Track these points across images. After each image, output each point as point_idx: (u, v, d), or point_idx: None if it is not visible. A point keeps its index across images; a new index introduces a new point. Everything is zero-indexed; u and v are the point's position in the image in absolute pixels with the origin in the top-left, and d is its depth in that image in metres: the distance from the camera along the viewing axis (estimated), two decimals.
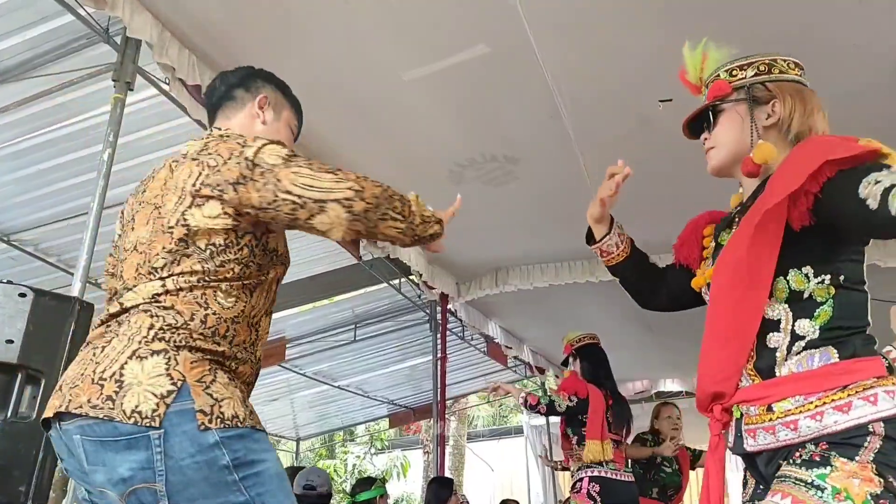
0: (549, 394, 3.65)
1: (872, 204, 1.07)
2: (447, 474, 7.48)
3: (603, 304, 5.17)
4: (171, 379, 1.19)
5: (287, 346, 6.80)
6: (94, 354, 1.25)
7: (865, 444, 1.15)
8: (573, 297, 5.54)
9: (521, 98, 3.20)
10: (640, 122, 3.30)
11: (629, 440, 4.09)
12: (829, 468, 1.15)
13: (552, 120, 3.27)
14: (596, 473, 3.56)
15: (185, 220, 1.30)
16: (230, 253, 1.32)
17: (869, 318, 1.28)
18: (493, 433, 14.41)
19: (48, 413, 1.26)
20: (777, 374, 1.26)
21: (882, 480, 1.13)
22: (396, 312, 6.80)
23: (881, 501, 1.12)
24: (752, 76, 1.42)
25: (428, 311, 6.22)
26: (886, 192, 1.05)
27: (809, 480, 1.15)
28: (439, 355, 5.69)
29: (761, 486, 1.34)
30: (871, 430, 1.16)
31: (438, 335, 5.78)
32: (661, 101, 3.21)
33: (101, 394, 1.18)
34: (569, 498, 3.86)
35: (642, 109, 3.19)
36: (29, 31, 2.98)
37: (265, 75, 1.62)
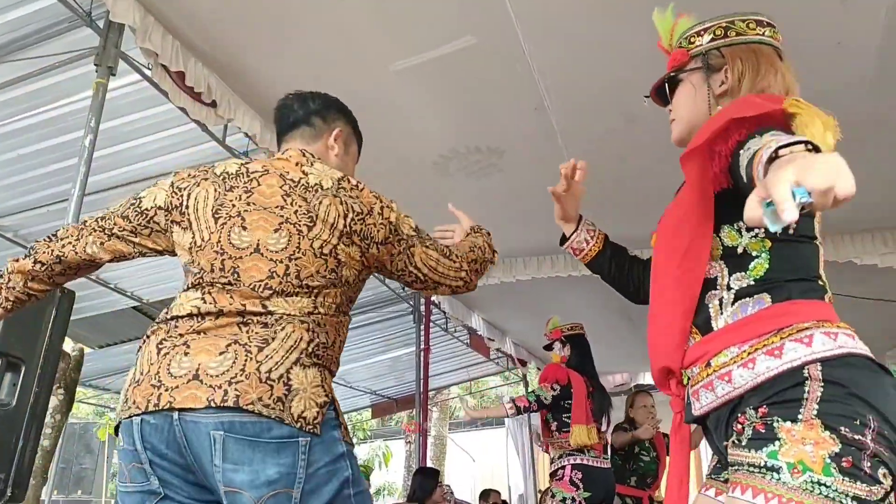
0: (532, 390, 3.69)
1: (743, 175, 1.00)
2: (429, 465, 7.52)
3: (585, 297, 5.21)
4: (325, 391, 1.30)
5: None
6: (246, 350, 1.25)
7: (805, 396, 1.05)
8: (556, 290, 5.57)
9: (506, 90, 3.20)
10: (626, 118, 3.32)
11: (609, 430, 4.14)
12: (777, 443, 1.05)
13: (537, 113, 3.28)
14: (578, 461, 3.59)
15: (337, 253, 1.39)
16: (354, 290, 1.47)
17: (820, 271, 1.21)
18: (474, 424, 14.47)
19: (189, 403, 1.21)
20: (714, 328, 1.20)
21: (835, 436, 1.02)
22: (380, 304, 6.80)
23: (843, 460, 1.01)
24: (709, 42, 1.35)
25: (412, 302, 6.23)
26: (749, 162, 0.96)
27: (762, 464, 1.05)
28: (422, 347, 5.70)
29: (720, 463, 1.30)
30: (806, 374, 1.07)
31: (422, 327, 5.80)
32: (646, 96, 3.25)
33: (272, 394, 1.22)
34: (549, 487, 3.89)
35: (628, 105, 3.21)
36: (9, 13, 2.93)
37: (341, 107, 1.71)
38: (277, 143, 1.67)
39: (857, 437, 1.02)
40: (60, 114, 3.48)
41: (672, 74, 1.41)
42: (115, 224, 1.49)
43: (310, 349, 1.30)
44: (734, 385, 1.13)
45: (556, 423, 3.71)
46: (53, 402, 6.95)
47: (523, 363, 8.14)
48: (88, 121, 2.56)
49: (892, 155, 3.63)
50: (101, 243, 1.49)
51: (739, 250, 1.21)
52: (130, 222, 1.47)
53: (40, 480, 6.96)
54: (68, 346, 7.24)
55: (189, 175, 1.47)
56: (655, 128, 3.41)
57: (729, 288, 1.21)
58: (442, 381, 9.83)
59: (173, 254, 1.49)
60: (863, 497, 1.00)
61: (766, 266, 1.19)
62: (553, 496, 3.63)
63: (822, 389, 1.05)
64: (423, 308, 5.79)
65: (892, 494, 1.03)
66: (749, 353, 1.13)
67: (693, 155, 1.17)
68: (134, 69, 3.01)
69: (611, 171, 3.83)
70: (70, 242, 1.50)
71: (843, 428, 1.02)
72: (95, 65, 2.66)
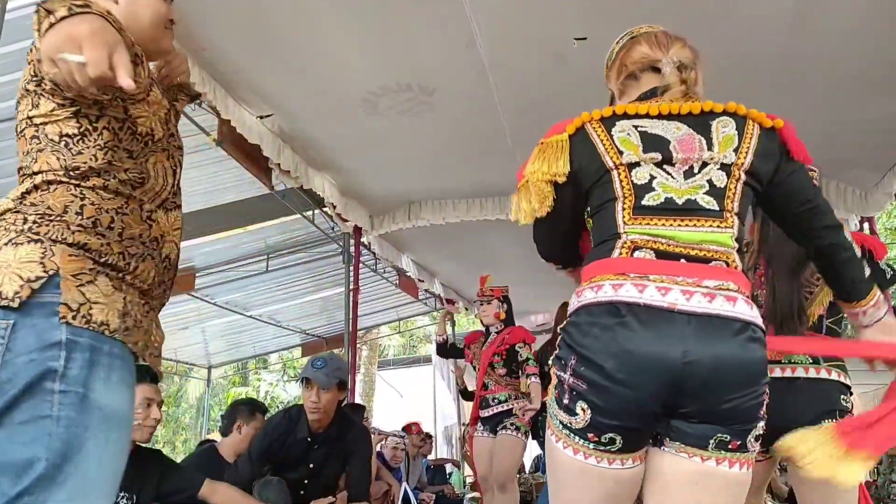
0: (528, 357, 4.08)
1: None
2: (357, 401, 7.65)
3: (511, 241, 5.29)
4: (44, 267, 1.12)
5: (196, 275, 6.64)
6: None
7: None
8: (483, 232, 5.64)
9: (437, 25, 3.14)
10: (556, 58, 3.32)
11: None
12: None
13: (468, 50, 3.24)
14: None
15: (29, 118, 1.23)
16: (88, 141, 1.22)
17: (616, 225, 1.39)
18: (402, 361, 14.73)
19: None
20: None
21: (556, 375, 1.33)
22: (310, 244, 6.73)
23: (556, 392, 1.32)
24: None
25: (341, 243, 6.19)
26: None
27: None
28: (352, 287, 5.70)
29: None
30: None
31: (351, 267, 5.79)
32: (576, 38, 3.25)
33: None
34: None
35: (558, 45, 3.22)
36: None
37: None
38: None
39: (561, 373, 1.31)
40: None
41: None
42: None
43: (24, 228, 1.16)
44: None
45: (506, 368, 4.18)
46: None
47: (451, 303, 8.27)
48: None
49: (807, 104, 3.74)
50: None
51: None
52: None
53: None
54: None
55: None
56: (584, 70, 3.45)
57: None
58: (371, 320, 9.89)
59: None
60: (564, 422, 1.28)
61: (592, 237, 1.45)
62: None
63: (560, 338, 1.36)
64: (352, 249, 5.77)
65: (606, 432, 1.24)
66: None
67: None
68: None
69: (542, 110, 3.85)
70: None
71: (556, 368, 1.34)
72: None
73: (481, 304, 4.33)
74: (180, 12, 3.05)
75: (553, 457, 1.33)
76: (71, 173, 1.21)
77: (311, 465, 3.12)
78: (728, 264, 1.30)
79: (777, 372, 2.01)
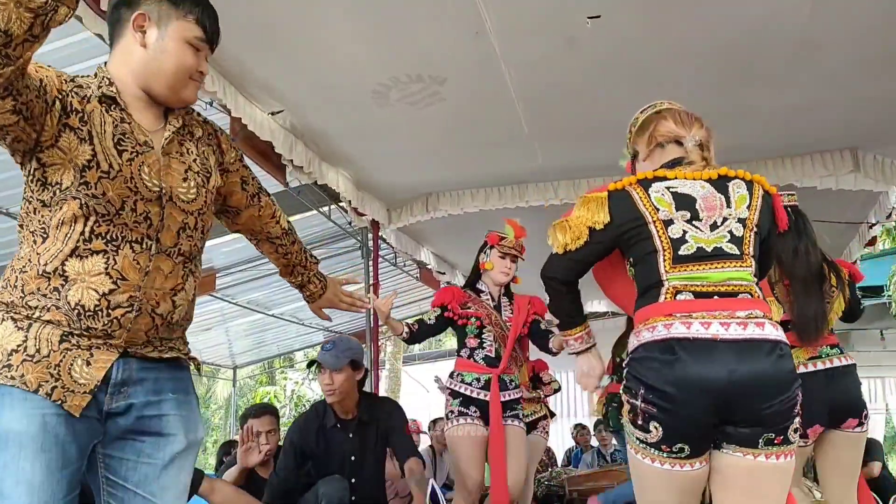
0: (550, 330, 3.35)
1: None
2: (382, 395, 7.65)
3: (533, 229, 5.20)
4: None
5: (217, 275, 6.66)
6: None
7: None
8: (502, 222, 5.55)
9: (444, 13, 3.07)
10: (568, 41, 3.24)
11: None
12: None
13: (478, 37, 3.17)
14: None
15: None
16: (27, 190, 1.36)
17: (659, 273, 1.70)
18: (428, 356, 14.70)
19: None
20: None
21: (627, 401, 1.65)
22: (328, 240, 6.70)
23: (630, 415, 1.63)
24: (627, 149, 2.00)
25: (359, 237, 6.16)
26: None
27: None
28: (371, 282, 5.66)
29: None
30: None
31: (370, 262, 5.75)
32: (589, 17, 3.16)
33: None
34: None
35: (570, 28, 3.13)
36: None
37: None
38: None
39: (632, 400, 1.62)
40: None
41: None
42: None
43: None
44: None
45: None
46: None
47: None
48: None
49: (829, 79, 3.65)
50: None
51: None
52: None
53: None
54: None
55: None
56: (597, 52, 3.38)
57: None
58: (394, 315, 9.84)
59: None
60: (642, 438, 1.60)
61: (637, 284, 1.76)
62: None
63: (626, 370, 1.67)
64: (370, 243, 5.73)
65: (677, 442, 1.56)
66: None
67: None
68: None
69: (556, 94, 3.78)
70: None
71: (627, 395, 1.65)
72: None
73: (503, 258, 3.42)
74: None
75: (636, 466, 1.65)
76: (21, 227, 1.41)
77: (353, 458, 3.04)
78: (752, 295, 1.63)
79: (819, 365, 2.58)
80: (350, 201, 4.99)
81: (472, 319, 3.30)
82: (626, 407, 1.64)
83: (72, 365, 1.31)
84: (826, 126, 4.23)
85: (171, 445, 1.42)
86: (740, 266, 1.64)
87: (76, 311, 1.31)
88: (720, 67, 3.50)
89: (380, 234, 5.71)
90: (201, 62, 1.49)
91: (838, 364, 2.58)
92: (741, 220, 1.68)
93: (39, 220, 1.34)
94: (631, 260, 1.76)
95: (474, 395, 3.21)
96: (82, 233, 1.32)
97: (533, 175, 4.88)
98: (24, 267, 1.34)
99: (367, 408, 3.10)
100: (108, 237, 1.34)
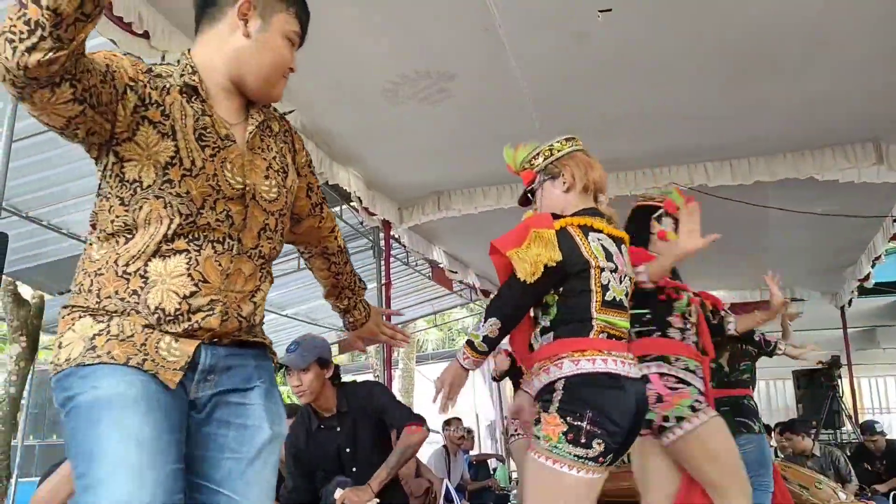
0: None
1: None
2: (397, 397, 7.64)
3: None
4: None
5: None
6: None
7: (553, 398, 1.84)
8: (514, 219, 5.50)
9: (452, 9, 3.04)
10: (578, 36, 3.20)
11: None
12: (539, 424, 1.85)
13: (487, 33, 3.13)
14: None
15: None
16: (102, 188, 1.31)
17: (592, 312, 1.90)
18: (441, 356, 14.69)
19: None
20: (534, 348, 2.01)
21: (564, 421, 1.79)
22: None
23: (569, 435, 1.78)
24: (542, 162, 2.08)
25: (371, 237, 6.14)
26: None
27: (536, 434, 1.86)
28: (384, 281, 5.65)
29: None
30: (556, 386, 1.84)
31: (382, 261, 5.74)
32: (600, 11, 3.12)
33: None
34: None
35: (579, 23, 3.09)
36: None
37: None
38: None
39: (576, 422, 1.80)
40: None
41: (530, 188, 2.15)
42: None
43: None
44: (534, 389, 1.94)
45: None
46: (16, 349, 6.79)
47: (486, 294, 8.18)
48: None
49: (846, 71, 3.59)
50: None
51: (544, 301, 1.97)
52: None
53: (9, 427, 6.86)
54: (27, 293, 7.00)
55: None
56: (607, 46, 3.34)
57: (539, 324, 2.00)
58: (407, 314, 9.86)
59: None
60: (580, 454, 1.78)
61: (555, 312, 1.94)
62: None
63: (562, 394, 1.83)
64: (382, 243, 5.71)
65: (608, 455, 1.81)
66: (539, 370, 1.92)
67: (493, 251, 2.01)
68: None
69: (566, 89, 3.74)
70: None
71: (568, 417, 1.81)
72: None
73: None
74: (184, 12, 2.99)
75: (562, 482, 1.81)
76: (92, 227, 1.38)
77: (348, 450, 3.01)
78: (629, 340, 2.01)
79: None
80: (361, 201, 4.98)
81: None
82: (563, 427, 1.80)
83: (158, 343, 1.24)
84: (847, 118, 4.15)
85: (257, 437, 1.33)
86: (626, 317, 1.99)
87: (156, 315, 1.25)
88: (733, 60, 3.44)
89: (391, 233, 5.70)
90: (294, 59, 1.43)
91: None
92: (629, 279, 2.03)
93: (120, 219, 1.27)
94: (561, 290, 1.92)
95: None
96: (165, 234, 1.26)
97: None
98: (99, 269, 1.27)
99: (345, 397, 3.06)
100: (191, 236, 1.27)
